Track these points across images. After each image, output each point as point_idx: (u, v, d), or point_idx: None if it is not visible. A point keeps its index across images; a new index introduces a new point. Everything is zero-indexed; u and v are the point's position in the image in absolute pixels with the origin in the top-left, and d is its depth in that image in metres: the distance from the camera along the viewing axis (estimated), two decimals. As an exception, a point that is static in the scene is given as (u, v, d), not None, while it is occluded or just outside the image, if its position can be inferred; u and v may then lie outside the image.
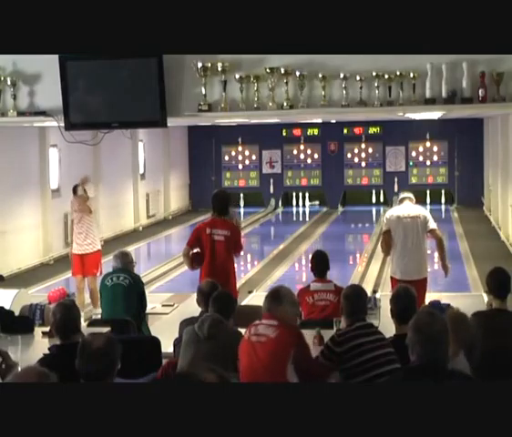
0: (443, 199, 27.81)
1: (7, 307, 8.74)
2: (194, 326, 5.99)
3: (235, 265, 9.45)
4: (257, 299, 9.94)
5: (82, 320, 7.36)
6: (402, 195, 10.05)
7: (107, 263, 11.11)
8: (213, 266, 9.12)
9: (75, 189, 12.59)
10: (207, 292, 7.01)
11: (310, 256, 8.82)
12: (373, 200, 28.24)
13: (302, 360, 5.46)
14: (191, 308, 10.28)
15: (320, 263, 8.31)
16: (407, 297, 6.16)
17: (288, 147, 28.20)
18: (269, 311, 5.69)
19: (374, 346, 5.67)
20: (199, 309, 7.17)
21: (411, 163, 27.90)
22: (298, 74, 8.13)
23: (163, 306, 10.66)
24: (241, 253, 9.61)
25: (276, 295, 5.76)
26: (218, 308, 6.33)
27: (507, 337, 6.15)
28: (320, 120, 19.59)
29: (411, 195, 9.98)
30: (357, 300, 6.12)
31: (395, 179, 27.73)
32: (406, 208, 9.76)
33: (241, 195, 28.09)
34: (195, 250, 9.31)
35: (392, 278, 9.72)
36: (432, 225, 9.64)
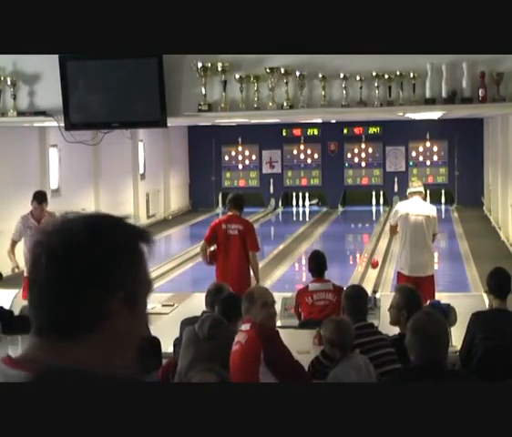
0: (443, 199, 27.78)
1: (7, 307, 8.74)
2: (194, 326, 5.98)
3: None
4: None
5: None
6: (412, 189, 10.01)
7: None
8: (228, 260, 9.46)
9: (40, 198, 10.52)
10: (212, 293, 7.01)
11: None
12: (374, 200, 28.23)
13: (273, 361, 5.42)
14: (191, 308, 10.27)
15: (318, 263, 8.33)
16: (359, 295, 6.28)
17: (288, 147, 28.19)
18: (244, 314, 5.71)
19: (375, 346, 5.68)
20: (201, 309, 7.16)
21: (411, 163, 27.89)
22: (298, 74, 8.13)
23: (163, 306, 10.65)
24: (258, 250, 9.89)
25: (249, 297, 5.76)
26: (224, 310, 6.30)
27: (507, 337, 6.16)
28: (320, 120, 19.58)
29: (421, 189, 10.00)
30: (358, 300, 6.14)
31: (395, 179, 27.72)
32: (416, 204, 9.81)
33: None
34: (212, 248, 9.63)
35: (399, 273, 9.85)
36: (436, 229, 9.78)
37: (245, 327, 5.61)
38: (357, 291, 6.40)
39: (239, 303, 6.27)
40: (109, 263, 1.63)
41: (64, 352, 1.59)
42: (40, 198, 10.47)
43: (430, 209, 9.95)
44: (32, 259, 1.64)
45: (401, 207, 10.08)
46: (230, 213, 9.73)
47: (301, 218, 26.75)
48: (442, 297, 10.09)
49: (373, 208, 27.76)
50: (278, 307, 8.73)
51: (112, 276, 1.63)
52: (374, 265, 12.78)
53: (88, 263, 1.61)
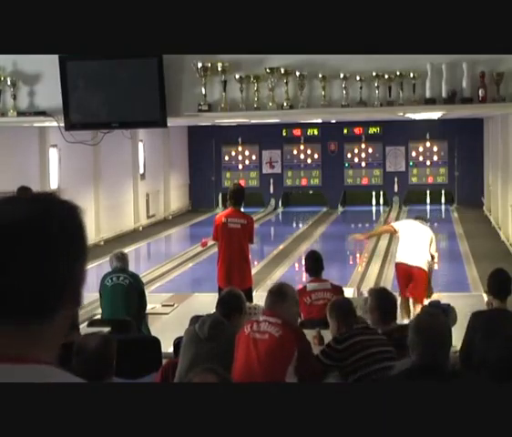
0: (443, 199, 27.80)
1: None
2: (195, 326, 5.98)
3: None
4: (257, 298, 9.95)
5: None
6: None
7: (106, 263, 11.09)
8: (229, 253, 9.51)
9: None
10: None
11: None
12: (374, 200, 28.24)
13: (305, 362, 5.47)
14: (191, 308, 10.27)
15: (315, 263, 8.39)
16: (387, 297, 6.35)
17: (288, 147, 28.19)
18: (271, 309, 5.69)
19: (374, 343, 5.74)
20: (200, 309, 7.16)
21: (411, 163, 27.89)
22: (298, 74, 8.13)
23: (163, 306, 10.66)
24: (253, 244, 10.11)
25: (280, 291, 5.76)
26: (224, 308, 6.26)
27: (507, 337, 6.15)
28: (320, 120, 19.58)
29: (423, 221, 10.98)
30: (348, 307, 6.19)
31: (395, 179, 27.73)
32: (418, 223, 10.64)
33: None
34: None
35: (396, 264, 10.65)
36: (433, 250, 10.43)
37: (274, 320, 5.56)
38: (344, 301, 6.47)
39: (239, 302, 6.26)
40: (73, 249, 1.52)
41: (26, 341, 1.48)
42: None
43: (429, 232, 10.55)
44: None
45: (404, 221, 11.38)
46: (230, 208, 9.79)
47: (301, 218, 26.75)
48: (442, 297, 10.12)
49: (373, 208, 27.76)
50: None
51: (74, 264, 1.52)
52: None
53: (56, 246, 1.49)
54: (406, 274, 10.17)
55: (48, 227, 1.50)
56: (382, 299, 6.32)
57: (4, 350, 1.47)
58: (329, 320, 6.10)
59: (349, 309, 6.13)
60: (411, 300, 10.25)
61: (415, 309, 9.80)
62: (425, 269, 10.19)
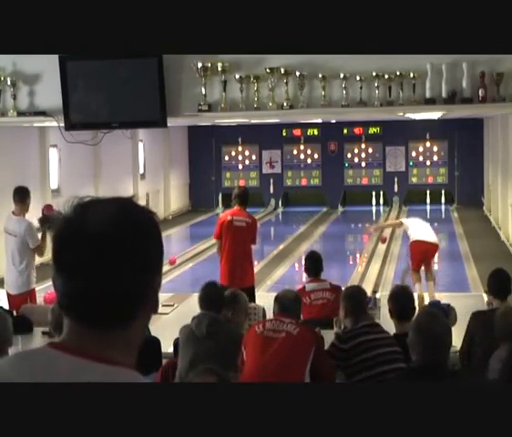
0: (443, 199, 27.79)
1: (6, 307, 8.73)
2: (191, 325, 5.98)
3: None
4: (257, 298, 9.95)
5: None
6: None
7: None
8: (234, 251, 9.56)
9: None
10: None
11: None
12: (374, 200, 28.23)
13: (320, 361, 5.49)
14: (191, 308, 10.26)
15: (314, 263, 8.42)
16: (405, 295, 6.22)
17: (288, 147, 28.17)
18: (286, 312, 5.74)
19: (380, 344, 5.72)
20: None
21: (411, 163, 27.88)
22: (298, 74, 8.13)
23: (163, 306, 10.65)
24: (255, 245, 10.13)
25: (296, 298, 5.92)
26: (206, 306, 6.31)
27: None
28: (320, 120, 19.57)
29: None
30: (359, 299, 6.18)
31: (395, 179, 27.72)
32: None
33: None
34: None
35: (412, 242, 11.52)
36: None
37: (289, 320, 5.64)
38: (356, 291, 6.45)
39: (220, 297, 6.30)
40: (152, 256, 1.63)
41: (108, 344, 1.58)
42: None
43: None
44: (65, 243, 1.57)
45: (408, 219, 12.62)
46: (236, 207, 9.81)
47: (301, 218, 26.74)
48: (442, 297, 10.13)
49: (373, 208, 27.75)
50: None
51: (155, 272, 1.64)
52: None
53: (137, 253, 1.58)
54: (423, 250, 11.23)
55: (133, 236, 1.58)
56: (399, 299, 6.23)
57: (90, 349, 1.56)
58: (340, 307, 6.20)
59: (358, 300, 6.12)
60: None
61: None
62: (438, 244, 11.49)
